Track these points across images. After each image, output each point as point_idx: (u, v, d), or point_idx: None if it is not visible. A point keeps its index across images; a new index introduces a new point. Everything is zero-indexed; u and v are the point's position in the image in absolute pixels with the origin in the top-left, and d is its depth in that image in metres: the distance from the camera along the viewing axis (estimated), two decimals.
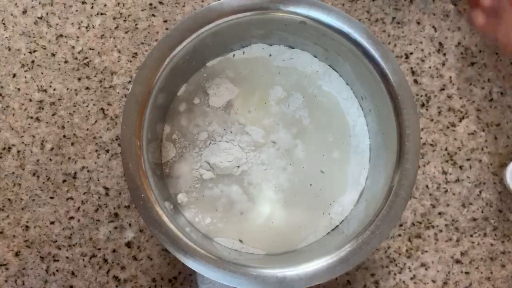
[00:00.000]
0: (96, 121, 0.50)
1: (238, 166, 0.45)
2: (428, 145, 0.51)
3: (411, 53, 0.52)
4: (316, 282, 0.38)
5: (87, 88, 0.51)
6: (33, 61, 0.51)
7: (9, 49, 0.51)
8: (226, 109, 0.47)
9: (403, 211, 0.40)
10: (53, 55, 0.51)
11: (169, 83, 0.43)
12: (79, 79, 0.51)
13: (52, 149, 0.50)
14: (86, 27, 0.51)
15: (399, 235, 0.50)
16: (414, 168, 0.40)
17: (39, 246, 0.49)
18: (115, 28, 0.51)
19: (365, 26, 0.41)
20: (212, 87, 0.46)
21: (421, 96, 0.52)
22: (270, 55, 0.47)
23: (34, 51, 0.51)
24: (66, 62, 0.51)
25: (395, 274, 0.49)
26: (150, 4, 0.52)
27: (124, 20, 0.52)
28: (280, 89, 0.47)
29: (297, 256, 0.43)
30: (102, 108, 0.50)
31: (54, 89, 0.51)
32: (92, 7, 0.52)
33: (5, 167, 0.49)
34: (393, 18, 0.52)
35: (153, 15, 0.52)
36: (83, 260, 0.49)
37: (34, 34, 0.51)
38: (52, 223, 0.49)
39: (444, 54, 0.52)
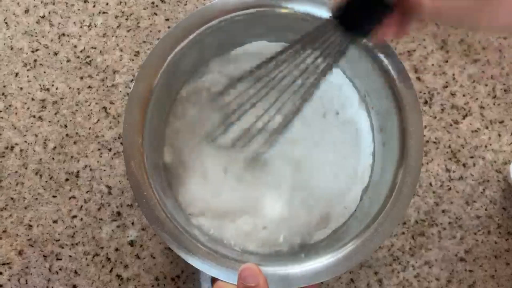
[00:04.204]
0: (98, 120, 0.50)
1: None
2: (431, 143, 0.51)
3: (414, 50, 0.52)
4: (319, 280, 0.38)
5: (89, 87, 0.51)
6: (35, 60, 0.51)
7: (12, 48, 0.51)
8: (229, 107, 0.46)
9: (406, 208, 0.39)
10: (56, 54, 0.51)
11: (171, 81, 0.43)
12: (82, 78, 0.51)
13: (54, 148, 0.50)
14: (88, 26, 0.51)
15: (403, 233, 0.50)
16: (417, 166, 0.40)
17: (42, 245, 0.49)
18: (117, 26, 0.51)
19: None
20: (216, 85, 0.46)
21: (424, 93, 0.51)
22: (271, 52, 0.47)
23: (37, 50, 0.51)
24: (68, 61, 0.51)
25: (398, 272, 0.49)
26: (152, 3, 0.52)
27: (126, 19, 0.52)
28: (283, 86, 0.46)
29: (300, 254, 0.43)
30: (104, 107, 0.50)
31: (57, 88, 0.51)
32: (94, 6, 0.52)
33: (8, 166, 0.49)
34: None
35: (155, 14, 0.52)
36: (86, 258, 0.49)
37: (36, 33, 0.51)
38: (55, 222, 0.49)
39: (447, 51, 0.52)
